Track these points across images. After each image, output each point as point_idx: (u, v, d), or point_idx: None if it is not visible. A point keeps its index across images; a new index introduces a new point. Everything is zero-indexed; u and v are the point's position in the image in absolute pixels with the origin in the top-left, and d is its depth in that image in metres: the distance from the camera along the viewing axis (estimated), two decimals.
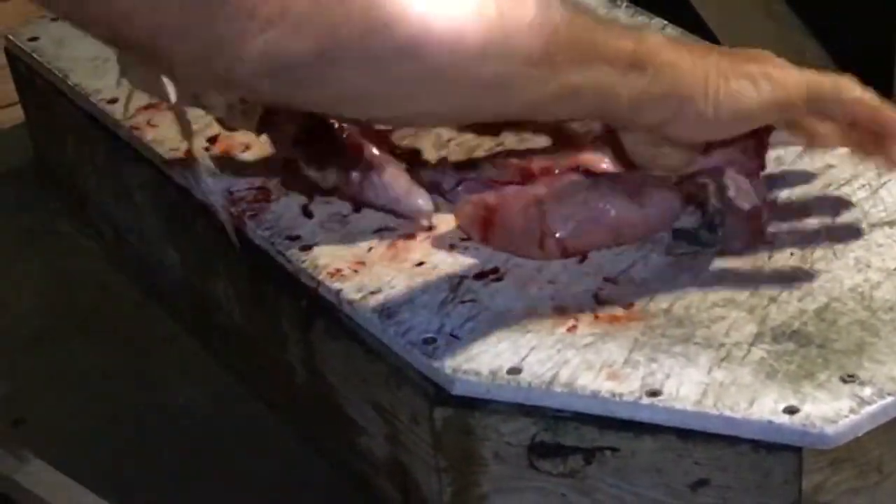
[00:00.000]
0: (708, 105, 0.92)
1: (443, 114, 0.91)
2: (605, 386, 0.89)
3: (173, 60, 0.80)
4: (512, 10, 0.86)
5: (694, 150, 0.97)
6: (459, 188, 1.05)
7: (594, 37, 0.90)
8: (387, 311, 0.96)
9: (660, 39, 0.93)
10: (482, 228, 1.00)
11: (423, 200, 1.04)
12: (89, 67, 1.22)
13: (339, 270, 0.99)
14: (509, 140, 1.10)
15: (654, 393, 0.88)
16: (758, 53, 0.95)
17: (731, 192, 0.98)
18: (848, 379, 0.87)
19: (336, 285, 0.98)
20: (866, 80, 1.88)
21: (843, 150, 1.05)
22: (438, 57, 0.83)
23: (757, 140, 0.99)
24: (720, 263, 0.97)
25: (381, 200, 1.04)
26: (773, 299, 0.94)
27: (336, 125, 1.06)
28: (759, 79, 0.93)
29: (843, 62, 1.92)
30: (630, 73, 0.90)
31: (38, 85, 1.26)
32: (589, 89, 0.90)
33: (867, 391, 0.86)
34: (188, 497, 1.10)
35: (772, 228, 0.99)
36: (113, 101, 1.18)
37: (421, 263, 0.99)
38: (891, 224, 0.99)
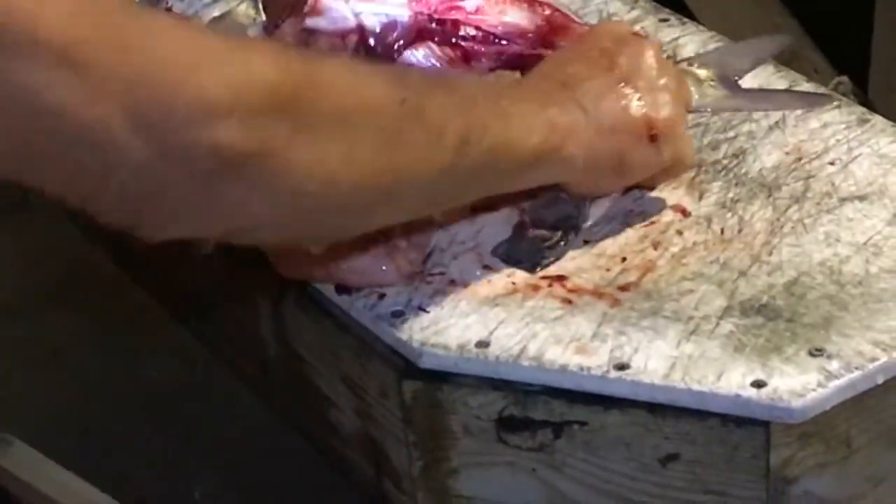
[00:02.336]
0: (621, 178, 0.96)
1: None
2: (574, 360, 0.88)
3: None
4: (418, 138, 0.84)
5: None
6: None
7: (505, 136, 0.88)
8: None
9: (568, 124, 0.92)
10: None
11: None
12: None
13: None
14: None
15: (622, 367, 0.88)
16: (643, 79, 0.96)
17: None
18: (815, 353, 0.87)
19: None
20: (843, 58, 1.88)
21: (814, 126, 1.06)
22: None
23: None
24: (689, 237, 0.97)
25: None
26: (742, 273, 0.93)
27: None
28: (662, 143, 0.95)
29: (820, 40, 1.93)
30: (536, 167, 0.91)
31: None
32: (495, 182, 0.91)
33: (834, 365, 0.86)
34: (160, 469, 1.10)
35: (743, 202, 0.99)
36: None
37: None
38: (861, 198, 0.99)
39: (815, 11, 1.97)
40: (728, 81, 1.03)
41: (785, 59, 1.22)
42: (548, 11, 1.05)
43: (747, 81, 1.10)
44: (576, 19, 1.07)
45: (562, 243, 0.96)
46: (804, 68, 1.82)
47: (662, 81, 0.96)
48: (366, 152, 0.81)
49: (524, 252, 0.96)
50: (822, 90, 1.09)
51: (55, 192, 0.75)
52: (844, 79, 1.81)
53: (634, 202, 1.00)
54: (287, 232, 0.84)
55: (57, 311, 1.24)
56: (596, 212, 0.98)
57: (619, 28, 1.02)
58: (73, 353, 1.19)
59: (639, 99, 0.95)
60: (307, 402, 1.03)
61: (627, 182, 0.98)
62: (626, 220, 0.99)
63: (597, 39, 0.98)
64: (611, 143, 0.94)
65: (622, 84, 0.95)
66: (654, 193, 1.00)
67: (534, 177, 0.93)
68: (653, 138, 0.95)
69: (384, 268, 0.95)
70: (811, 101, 1.07)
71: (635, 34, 1.01)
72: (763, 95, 1.06)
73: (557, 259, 0.96)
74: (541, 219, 0.98)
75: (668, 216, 0.99)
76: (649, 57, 0.97)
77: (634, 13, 1.19)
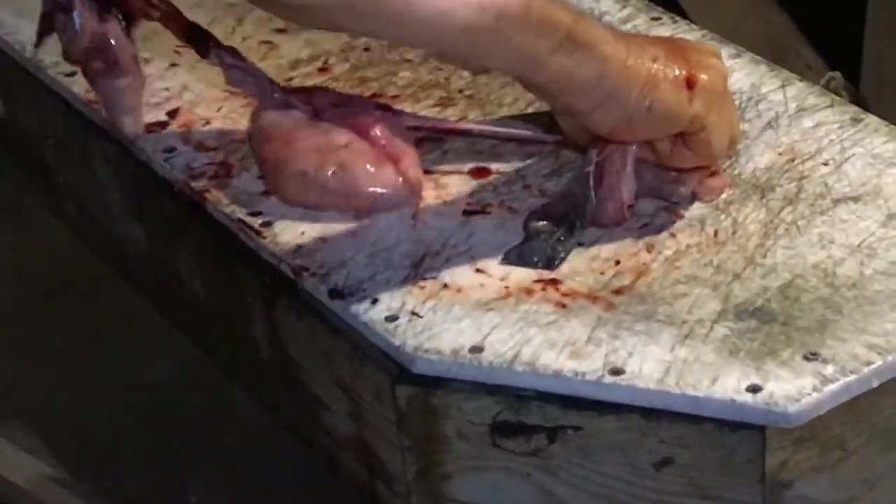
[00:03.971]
0: (649, 114, 0.94)
1: (377, 29, 0.91)
2: (568, 365, 0.88)
3: None
4: None
5: None
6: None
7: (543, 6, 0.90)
8: (349, 289, 0.95)
9: (600, 28, 0.93)
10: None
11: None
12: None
13: (300, 247, 0.99)
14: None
15: (616, 371, 0.87)
16: (697, 55, 0.96)
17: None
18: (811, 357, 0.87)
19: (298, 262, 0.97)
20: (835, 54, 1.87)
21: (808, 125, 1.05)
22: None
23: None
24: (682, 240, 0.97)
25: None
26: (736, 276, 0.93)
27: None
28: (697, 96, 0.94)
29: (812, 36, 1.93)
30: (559, 48, 0.90)
31: None
32: (515, 48, 0.90)
33: (830, 369, 0.86)
34: (154, 473, 1.09)
35: (736, 204, 0.99)
36: (71, 74, 1.16)
37: (383, 240, 0.99)
38: (855, 199, 0.99)
39: (807, 7, 1.97)
40: None
41: (778, 56, 1.22)
42: None
43: (740, 80, 1.10)
44: None
45: (572, 236, 0.96)
46: (797, 64, 1.82)
47: (714, 60, 0.97)
48: None
49: (537, 251, 0.96)
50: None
51: None
52: (836, 74, 1.81)
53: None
54: None
55: (50, 313, 1.23)
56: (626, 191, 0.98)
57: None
58: (66, 355, 1.19)
59: (687, 56, 0.95)
60: (301, 404, 1.02)
61: (654, 127, 0.95)
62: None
63: None
64: (647, 67, 0.93)
65: (675, 46, 0.96)
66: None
67: (563, 61, 0.91)
68: (690, 84, 0.94)
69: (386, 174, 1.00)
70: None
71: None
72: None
73: (569, 252, 0.96)
74: (549, 212, 0.98)
75: (661, 218, 0.99)
76: (707, 48, 0.99)
77: (626, 11, 1.19)
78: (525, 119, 1.08)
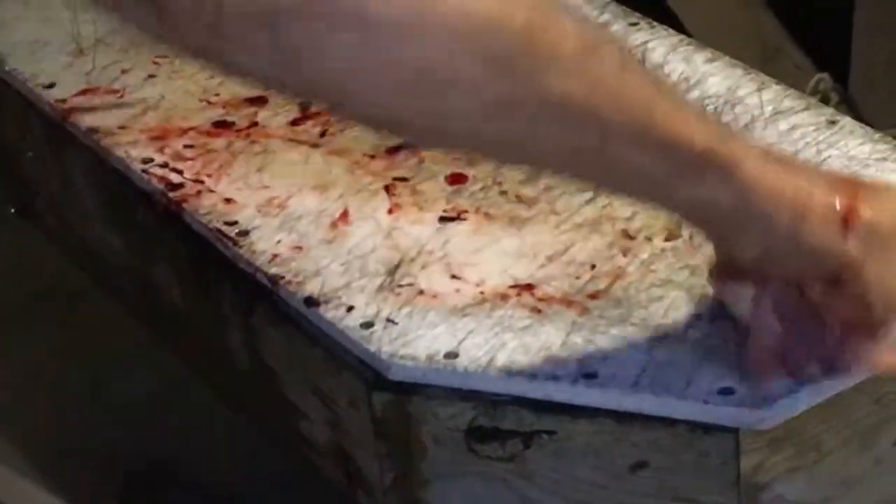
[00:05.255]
0: (797, 248, 0.80)
1: (429, 125, 0.74)
2: (542, 369, 0.88)
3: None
4: (547, 30, 0.70)
5: None
6: None
7: (653, 107, 0.74)
8: (324, 296, 0.95)
9: (747, 146, 0.78)
10: None
11: None
12: (27, 52, 1.21)
13: (276, 256, 0.98)
14: None
15: (590, 375, 0.87)
16: (873, 191, 0.82)
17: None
18: None
19: (273, 270, 0.97)
20: (823, 55, 1.87)
21: (784, 128, 1.05)
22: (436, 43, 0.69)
23: None
24: (658, 243, 0.96)
25: None
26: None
27: None
28: (855, 233, 0.79)
29: (801, 37, 1.93)
30: (692, 172, 0.75)
31: None
32: (633, 170, 0.75)
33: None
34: (136, 483, 1.10)
35: None
36: (50, 85, 1.16)
37: (359, 247, 0.99)
38: None
39: (795, 8, 1.97)
40: None
41: (767, 57, 1.21)
42: None
43: (716, 84, 1.10)
44: None
45: None
46: (785, 65, 1.82)
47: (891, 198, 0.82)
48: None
49: None
50: None
51: None
52: (825, 76, 1.81)
53: None
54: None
55: (30, 323, 1.23)
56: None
57: None
58: (45, 365, 1.19)
59: (854, 189, 0.80)
60: (280, 413, 1.02)
61: (801, 261, 0.80)
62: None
63: None
64: (797, 191, 0.78)
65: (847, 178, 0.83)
66: None
67: (693, 189, 0.76)
68: (846, 221, 0.79)
69: None
70: None
71: None
72: None
73: None
74: None
75: (637, 222, 0.99)
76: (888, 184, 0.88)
77: (604, 17, 1.19)
78: None
